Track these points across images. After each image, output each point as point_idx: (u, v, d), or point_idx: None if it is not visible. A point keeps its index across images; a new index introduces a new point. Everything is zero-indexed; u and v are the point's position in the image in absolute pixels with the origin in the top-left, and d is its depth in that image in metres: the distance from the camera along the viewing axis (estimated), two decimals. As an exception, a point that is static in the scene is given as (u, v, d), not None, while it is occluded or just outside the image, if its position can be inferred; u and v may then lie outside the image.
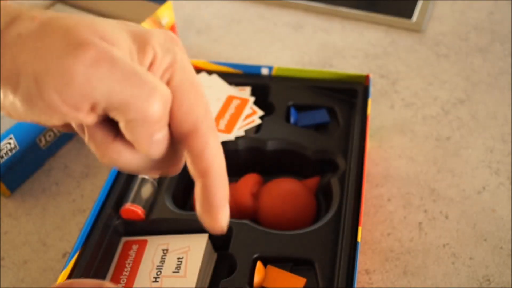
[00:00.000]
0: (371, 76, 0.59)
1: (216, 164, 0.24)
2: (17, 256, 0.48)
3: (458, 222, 0.48)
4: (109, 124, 0.23)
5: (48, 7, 0.74)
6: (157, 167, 0.25)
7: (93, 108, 0.21)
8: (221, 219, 0.24)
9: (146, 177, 0.45)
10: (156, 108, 0.21)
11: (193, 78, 0.24)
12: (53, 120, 0.21)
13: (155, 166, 0.25)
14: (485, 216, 0.48)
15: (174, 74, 0.23)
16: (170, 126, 0.23)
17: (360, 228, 0.40)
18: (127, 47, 0.21)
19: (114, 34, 0.21)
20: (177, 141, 0.24)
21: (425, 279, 0.44)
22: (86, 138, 0.23)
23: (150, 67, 0.22)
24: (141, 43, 0.22)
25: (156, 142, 0.22)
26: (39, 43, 0.20)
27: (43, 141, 0.54)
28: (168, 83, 0.23)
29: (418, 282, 0.44)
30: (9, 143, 0.50)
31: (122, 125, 0.22)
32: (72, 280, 0.27)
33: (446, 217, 0.48)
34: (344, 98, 0.52)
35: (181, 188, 0.47)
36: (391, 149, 0.55)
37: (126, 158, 0.23)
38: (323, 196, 0.47)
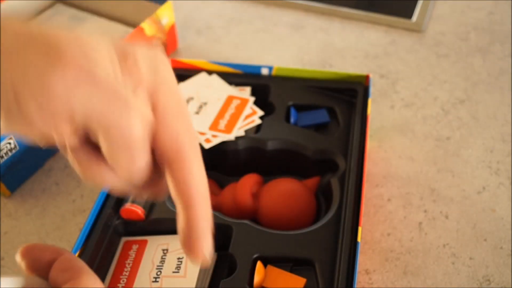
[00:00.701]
0: (371, 76, 0.59)
1: (200, 193, 0.23)
2: (17, 256, 0.48)
3: (458, 222, 0.48)
4: (93, 146, 0.23)
5: (48, 7, 0.74)
6: (142, 191, 0.25)
7: (71, 125, 0.20)
8: (203, 249, 0.24)
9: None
10: (135, 126, 0.21)
11: (179, 100, 0.23)
12: (33, 135, 0.21)
13: (139, 190, 0.25)
14: (485, 216, 0.48)
15: (159, 97, 0.22)
16: (153, 151, 0.23)
17: (360, 228, 0.40)
18: (110, 64, 0.21)
19: (98, 51, 0.21)
20: (160, 166, 0.23)
21: (425, 279, 0.44)
22: (69, 158, 0.23)
23: (135, 87, 0.22)
24: (126, 60, 0.22)
25: (137, 170, 0.22)
26: (21, 59, 0.20)
27: (43, 141, 0.54)
28: (153, 107, 0.22)
29: (418, 282, 0.44)
30: (9, 143, 0.50)
31: (104, 149, 0.22)
32: (34, 244, 0.27)
33: (446, 217, 0.48)
34: (344, 98, 0.52)
35: (181, 188, 0.47)
36: (391, 149, 0.55)
37: (110, 181, 0.23)
38: (323, 196, 0.47)
